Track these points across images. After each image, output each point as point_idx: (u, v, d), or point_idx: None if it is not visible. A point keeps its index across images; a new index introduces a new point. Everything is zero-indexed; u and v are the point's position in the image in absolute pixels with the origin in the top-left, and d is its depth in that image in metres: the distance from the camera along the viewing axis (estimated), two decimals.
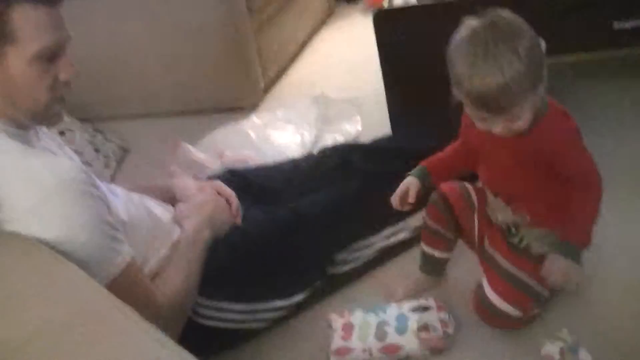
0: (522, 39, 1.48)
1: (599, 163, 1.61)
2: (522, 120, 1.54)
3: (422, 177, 1.79)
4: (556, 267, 1.59)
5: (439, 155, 1.83)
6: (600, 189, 1.62)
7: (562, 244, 1.61)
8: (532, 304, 1.68)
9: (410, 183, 1.78)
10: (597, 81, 2.64)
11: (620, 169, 2.10)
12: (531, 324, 1.70)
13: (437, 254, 1.87)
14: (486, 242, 1.78)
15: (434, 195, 1.85)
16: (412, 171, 1.80)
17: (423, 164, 1.81)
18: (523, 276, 1.67)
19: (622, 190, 2.00)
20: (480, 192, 1.81)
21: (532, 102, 1.53)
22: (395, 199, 1.79)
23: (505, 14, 1.52)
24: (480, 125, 1.58)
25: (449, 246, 1.88)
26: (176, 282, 1.64)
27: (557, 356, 1.59)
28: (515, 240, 1.72)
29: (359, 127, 2.67)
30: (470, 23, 1.53)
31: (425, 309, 1.76)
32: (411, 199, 1.77)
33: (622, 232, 1.91)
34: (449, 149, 1.83)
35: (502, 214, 1.74)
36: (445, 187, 1.85)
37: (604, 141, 2.20)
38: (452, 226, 1.84)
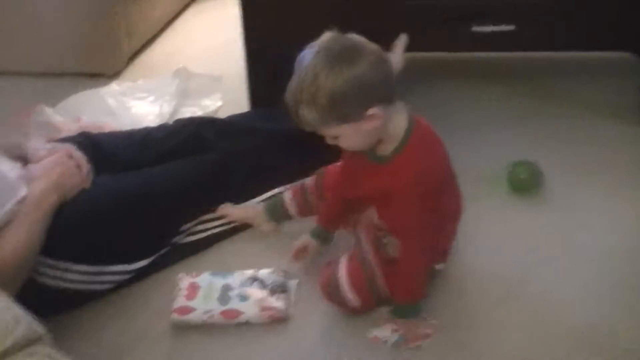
0: (336, 81, 1.48)
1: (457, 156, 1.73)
2: (343, 142, 1.60)
3: (321, 236, 1.87)
4: (401, 328, 1.68)
5: (329, 205, 1.89)
6: (416, 251, 1.66)
7: (395, 307, 1.71)
8: (372, 301, 1.74)
9: (309, 243, 1.87)
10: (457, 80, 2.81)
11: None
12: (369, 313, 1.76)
13: (292, 211, 2.02)
14: (359, 227, 1.84)
15: (319, 171, 1.97)
16: (311, 231, 1.88)
17: (319, 223, 1.88)
18: (376, 272, 1.72)
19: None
20: None
21: (347, 131, 1.55)
22: (291, 254, 1.88)
23: (348, 43, 1.53)
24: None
25: (305, 214, 2.01)
26: (16, 240, 1.64)
27: (385, 338, 1.68)
28: (381, 234, 1.78)
29: (219, 103, 2.71)
30: (321, 39, 1.56)
31: (271, 279, 1.84)
32: (310, 257, 1.88)
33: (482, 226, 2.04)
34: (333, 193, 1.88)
35: (372, 215, 1.82)
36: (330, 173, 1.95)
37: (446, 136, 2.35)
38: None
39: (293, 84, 1.54)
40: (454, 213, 1.81)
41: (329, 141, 1.61)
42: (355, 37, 1.56)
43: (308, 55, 1.54)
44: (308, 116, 1.53)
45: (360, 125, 1.54)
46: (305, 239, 1.88)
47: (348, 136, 1.58)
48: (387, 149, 1.63)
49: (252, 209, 2.06)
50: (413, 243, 1.66)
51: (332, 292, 1.74)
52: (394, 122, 1.61)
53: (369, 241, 1.78)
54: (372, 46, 1.55)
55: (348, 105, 1.51)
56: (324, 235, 1.88)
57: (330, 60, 1.49)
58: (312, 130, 1.58)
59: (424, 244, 1.68)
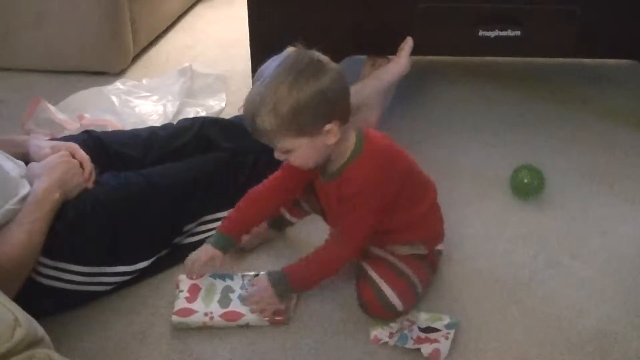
0: (300, 92, 1.51)
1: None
2: (294, 158, 1.61)
3: (225, 246, 1.82)
4: (259, 287, 1.74)
5: (238, 212, 1.84)
6: (344, 257, 1.71)
7: (279, 273, 1.73)
8: (414, 299, 1.76)
9: (212, 255, 1.80)
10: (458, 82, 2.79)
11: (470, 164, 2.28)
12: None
13: (287, 215, 1.99)
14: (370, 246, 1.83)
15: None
16: (213, 240, 1.82)
17: (222, 231, 1.83)
18: (408, 271, 1.74)
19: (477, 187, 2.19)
20: None
21: (302, 145, 1.57)
22: (192, 265, 1.82)
23: (313, 57, 1.56)
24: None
25: (300, 215, 2.00)
26: (16, 239, 1.63)
27: (385, 338, 1.69)
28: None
29: (223, 104, 2.69)
30: (285, 52, 1.59)
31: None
32: (210, 268, 1.82)
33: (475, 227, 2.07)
34: (251, 197, 1.84)
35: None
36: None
37: (452, 139, 2.35)
38: (318, 210, 1.92)
39: (254, 92, 1.55)
40: (433, 201, 1.82)
41: (277, 156, 1.64)
42: (319, 54, 1.58)
43: (271, 66, 1.56)
44: (266, 125, 1.53)
45: (315, 140, 1.58)
46: (207, 249, 1.82)
47: (301, 151, 1.60)
48: (337, 165, 1.67)
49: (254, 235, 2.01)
50: (351, 241, 1.69)
51: (381, 305, 1.72)
52: (345, 141, 1.64)
53: (381, 249, 1.79)
54: (334, 64, 1.58)
55: (308, 117, 1.53)
56: (227, 244, 1.83)
57: (296, 71, 1.52)
58: (266, 141, 1.60)
59: (357, 247, 1.71)
